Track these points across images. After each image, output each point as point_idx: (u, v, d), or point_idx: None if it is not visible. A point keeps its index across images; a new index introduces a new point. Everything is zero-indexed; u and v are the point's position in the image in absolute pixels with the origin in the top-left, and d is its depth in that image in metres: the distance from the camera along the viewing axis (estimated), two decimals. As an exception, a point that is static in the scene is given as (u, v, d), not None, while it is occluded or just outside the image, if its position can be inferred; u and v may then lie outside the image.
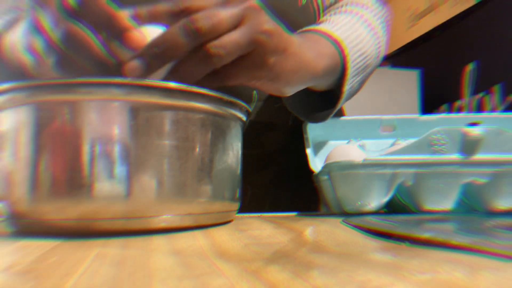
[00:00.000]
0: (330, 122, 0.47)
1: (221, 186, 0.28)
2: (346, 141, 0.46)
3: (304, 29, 0.43)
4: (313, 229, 0.27)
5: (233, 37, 0.28)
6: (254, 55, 0.29)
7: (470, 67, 2.03)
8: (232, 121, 0.30)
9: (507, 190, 0.36)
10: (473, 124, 0.38)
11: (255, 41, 0.29)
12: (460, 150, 0.37)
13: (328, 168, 0.37)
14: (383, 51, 0.50)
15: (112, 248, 0.20)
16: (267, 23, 0.29)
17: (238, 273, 0.14)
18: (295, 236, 0.23)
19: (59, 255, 0.18)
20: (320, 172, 0.39)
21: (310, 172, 0.41)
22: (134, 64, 0.26)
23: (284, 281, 0.13)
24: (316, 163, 0.43)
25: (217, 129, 0.28)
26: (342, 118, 0.48)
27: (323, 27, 0.43)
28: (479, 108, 1.95)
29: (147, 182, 0.24)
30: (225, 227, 0.28)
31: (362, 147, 0.44)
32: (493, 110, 1.87)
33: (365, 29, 0.46)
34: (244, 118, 0.32)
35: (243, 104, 0.30)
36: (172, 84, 0.25)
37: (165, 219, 0.25)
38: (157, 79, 0.28)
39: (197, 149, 0.26)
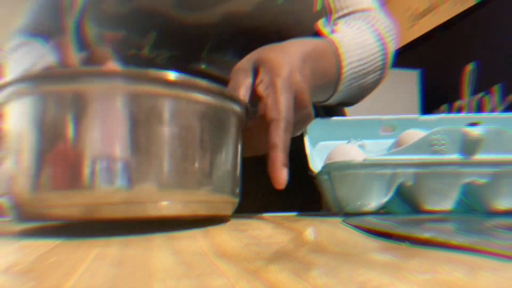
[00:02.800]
0: (329, 122, 0.47)
1: (221, 176, 0.29)
2: (346, 141, 0.46)
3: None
4: (313, 229, 0.27)
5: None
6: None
7: (470, 67, 2.03)
8: (230, 114, 0.30)
9: (507, 190, 0.36)
10: (473, 124, 0.38)
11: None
12: (460, 150, 0.37)
13: (328, 168, 0.37)
14: (390, 62, 0.52)
15: (112, 248, 0.20)
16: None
17: (238, 273, 0.14)
18: (295, 236, 0.23)
19: (59, 255, 0.18)
20: (320, 172, 0.39)
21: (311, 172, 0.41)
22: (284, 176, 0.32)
23: (284, 281, 0.13)
24: (316, 163, 0.43)
25: (217, 120, 0.28)
26: (342, 118, 0.48)
27: (332, 36, 0.47)
28: (479, 108, 1.95)
29: (148, 170, 0.25)
30: (225, 227, 0.28)
31: (362, 147, 0.44)
32: (493, 110, 1.87)
33: (373, 38, 0.49)
34: (243, 114, 0.32)
35: (242, 100, 0.31)
36: (172, 74, 0.25)
37: (165, 206, 0.25)
38: None
39: (198, 139, 0.27)
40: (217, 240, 0.22)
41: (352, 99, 0.50)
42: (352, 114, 0.51)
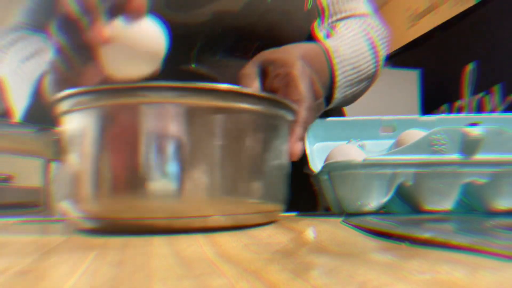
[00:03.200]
0: (330, 122, 0.47)
1: (271, 186, 0.29)
2: (346, 142, 0.46)
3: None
4: (313, 229, 0.27)
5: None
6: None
7: (470, 67, 2.03)
8: (281, 122, 0.30)
9: (507, 190, 0.36)
10: (473, 125, 0.38)
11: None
12: (460, 150, 0.37)
13: (328, 168, 0.37)
14: (380, 70, 0.54)
15: (112, 248, 0.20)
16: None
17: (238, 273, 0.14)
18: (295, 236, 0.23)
19: (59, 255, 0.18)
20: (320, 172, 0.39)
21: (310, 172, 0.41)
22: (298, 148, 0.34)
23: (284, 281, 0.13)
24: (316, 163, 0.43)
25: (267, 129, 0.28)
26: (342, 118, 0.48)
27: (328, 42, 0.47)
28: (479, 108, 1.95)
29: (203, 181, 0.25)
30: (225, 227, 0.28)
31: (362, 147, 0.44)
32: (493, 110, 1.87)
33: (366, 47, 0.50)
34: (292, 118, 0.32)
35: (291, 104, 0.31)
36: (222, 86, 0.26)
37: (217, 219, 0.26)
38: None
39: (248, 150, 0.27)
40: (217, 240, 0.22)
41: (343, 105, 0.52)
42: (352, 114, 0.51)
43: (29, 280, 0.14)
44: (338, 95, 0.46)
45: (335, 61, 0.45)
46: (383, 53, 0.52)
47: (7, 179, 1.81)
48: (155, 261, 0.16)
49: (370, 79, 0.50)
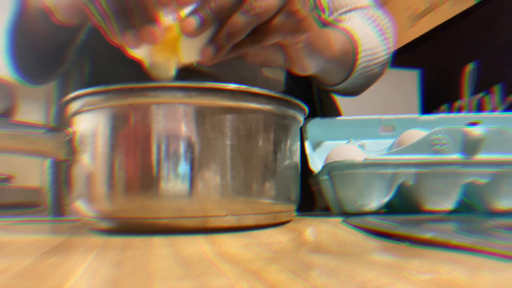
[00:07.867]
0: (329, 122, 0.47)
1: (282, 186, 0.29)
2: (346, 141, 0.46)
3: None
4: (313, 229, 0.27)
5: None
6: (288, 21, 0.32)
7: (470, 67, 2.03)
8: (291, 121, 0.30)
9: (508, 190, 0.36)
10: (474, 124, 0.38)
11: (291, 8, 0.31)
12: (461, 150, 0.37)
13: (328, 168, 0.37)
14: (390, 59, 0.54)
15: (112, 248, 0.20)
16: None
17: (238, 273, 0.14)
18: (295, 236, 0.23)
19: (59, 255, 0.18)
20: (320, 172, 0.39)
21: (310, 172, 0.41)
22: (191, 20, 0.28)
23: (284, 281, 0.13)
24: (316, 163, 0.43)
25: (277, 129, 0.28)
26: (342, 117, 0.48)
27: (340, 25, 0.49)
28: (479, 108, 1.95)
29: (214, 181, 0.25)
30: (225, 227, 0.28)
31: (361, 147, 0.44)
32: (493, 110, 1.86)
33: (375, 33, 0.51)
34: (302, 118, 0.32)
35: (301, 104, 0.31)
36: (233, 86, 0.26)
37: (229, 219, 0.26)
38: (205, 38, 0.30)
39: (260, 150, 0.27)
40: (217, 240, 0.22)
41: (356, 88, 0.52)
42: (352, 113, 0.51)
43: (29, 280, 0.14)
44: (355, 74, 0.47)
45: (356, 36, 0.46)
46: (392, 40, 0.53)
47: (7, 179, 1.81)
48: (155, 261, 0.16)
49: (382, 66, 0.51)
